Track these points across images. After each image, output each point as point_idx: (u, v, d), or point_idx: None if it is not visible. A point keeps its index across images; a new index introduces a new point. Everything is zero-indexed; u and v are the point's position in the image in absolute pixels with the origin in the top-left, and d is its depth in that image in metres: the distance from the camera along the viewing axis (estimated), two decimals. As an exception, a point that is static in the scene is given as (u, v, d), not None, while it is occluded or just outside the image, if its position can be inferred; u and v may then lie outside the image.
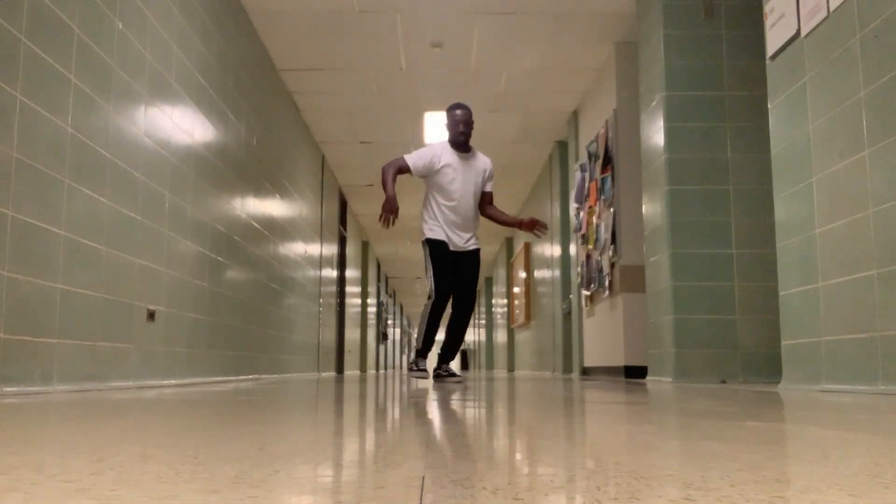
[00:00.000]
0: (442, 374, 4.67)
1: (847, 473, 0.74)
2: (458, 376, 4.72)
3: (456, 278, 4.70)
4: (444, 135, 4.84)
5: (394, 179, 4.56)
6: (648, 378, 4.98)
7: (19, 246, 2.52)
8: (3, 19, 2.42)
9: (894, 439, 1.09)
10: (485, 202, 4.83)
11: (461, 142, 4.67)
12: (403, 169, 4.62)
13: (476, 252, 4.76)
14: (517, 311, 12.66)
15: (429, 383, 4.20)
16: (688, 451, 0.92)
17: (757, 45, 4.68)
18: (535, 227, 4.75)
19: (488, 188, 4.82)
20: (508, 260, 14.06)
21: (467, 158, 4.72)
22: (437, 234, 4.68)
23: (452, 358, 4.82)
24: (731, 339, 4.48)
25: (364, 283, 14.32)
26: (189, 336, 4.23)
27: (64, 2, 2.80)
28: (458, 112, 4.68)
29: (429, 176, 4.68)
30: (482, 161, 4.80)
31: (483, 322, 20.66)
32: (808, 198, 3.11)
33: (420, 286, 23.23)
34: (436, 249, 4.68)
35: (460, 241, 4.70)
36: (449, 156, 4.67)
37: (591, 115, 7.03)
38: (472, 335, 25.66)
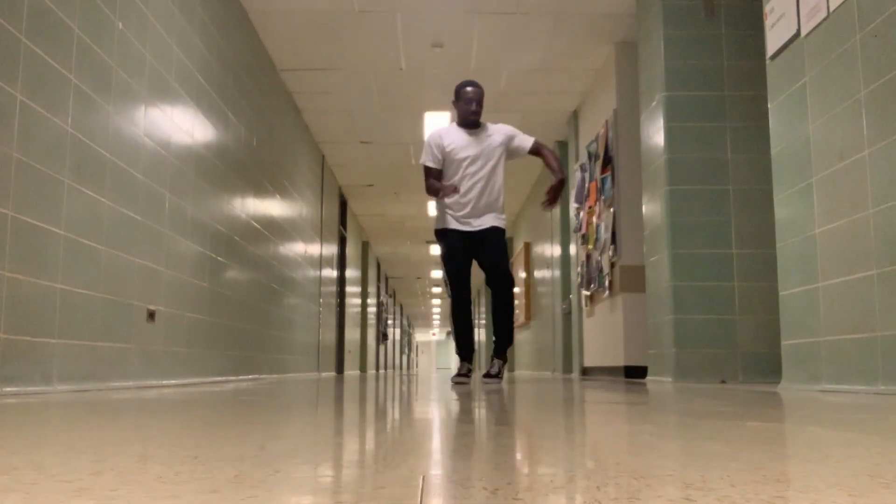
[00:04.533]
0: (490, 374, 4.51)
1: (847, 473, 0.74)
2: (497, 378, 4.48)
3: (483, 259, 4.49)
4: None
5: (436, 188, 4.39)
6: (648, 378, 4.98)
7: (19, 246, 2.52)
8: (3, 19, 2.42)
9: (894, 439, 1.08)
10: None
11: (472, 121, 4.46)
12: (431, 173, 4.43)
13: (494, 229, 4.44)
14: (517, 311, 12.65)
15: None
16: (688, 451, 0.92)
17: (757, 45, 4.67)
18: (549, 194, 4.53)
19: (520, 145, 4.63)
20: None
21: (477, 134, 4.49)
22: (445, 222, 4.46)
23: (504, 349, 4.65)
24: (730, 339, 4.48)
25: (364, 283, 14.32)
26: (189, 336, 4.23)
27: (64, 2, 2.80)
28: (470, 89, 4.45)
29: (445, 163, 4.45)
30: (497, 134, 4.53)
31: (483, 321, 20.64)
32: (807, 198, 3.11)
33: (420, 286, 23.21)
34: (445, 239, 4.49)
35: (476, 221, 4.45)
36: (455, 136, 4.46)
37: (591, 115, 7.02)
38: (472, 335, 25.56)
